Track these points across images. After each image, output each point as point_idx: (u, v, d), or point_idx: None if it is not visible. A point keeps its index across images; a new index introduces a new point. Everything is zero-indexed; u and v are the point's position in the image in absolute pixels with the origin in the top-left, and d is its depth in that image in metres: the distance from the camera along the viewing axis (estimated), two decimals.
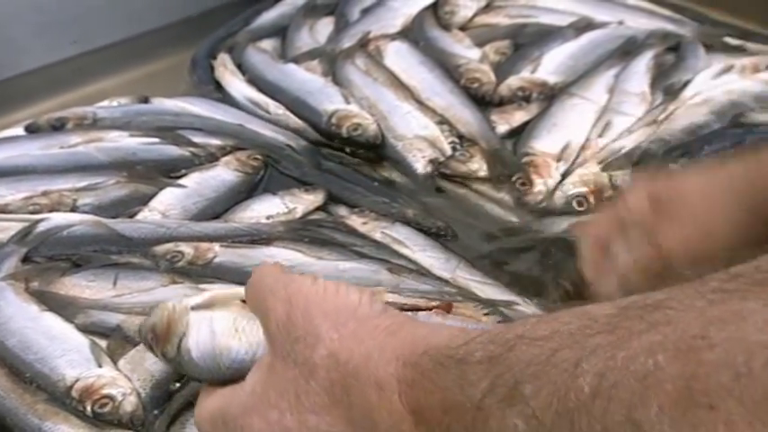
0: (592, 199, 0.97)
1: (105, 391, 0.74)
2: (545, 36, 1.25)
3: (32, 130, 1.10)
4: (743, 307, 0.35)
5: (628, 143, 1.02)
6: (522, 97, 1.13)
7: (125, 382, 0.75)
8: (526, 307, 0.85)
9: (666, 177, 0.73)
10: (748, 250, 0.48)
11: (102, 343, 0.79)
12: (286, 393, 0.53)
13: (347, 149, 1.08)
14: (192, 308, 0.63)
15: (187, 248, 0.89)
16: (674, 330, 0.36)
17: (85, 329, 0.80)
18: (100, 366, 0.76)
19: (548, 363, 0.40)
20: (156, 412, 0.74)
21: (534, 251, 0.93)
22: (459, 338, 0.47)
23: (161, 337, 0.63)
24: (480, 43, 1.25)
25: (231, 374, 0.61)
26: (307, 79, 1.17)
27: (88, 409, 0.73)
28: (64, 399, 0.74)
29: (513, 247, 0.94)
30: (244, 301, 0.63)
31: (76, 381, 0.75)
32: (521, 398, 0.40)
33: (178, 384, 0.75)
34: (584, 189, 0.97)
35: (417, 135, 1.06)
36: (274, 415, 0.53)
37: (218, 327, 0.61)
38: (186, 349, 0.61)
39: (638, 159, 0.99)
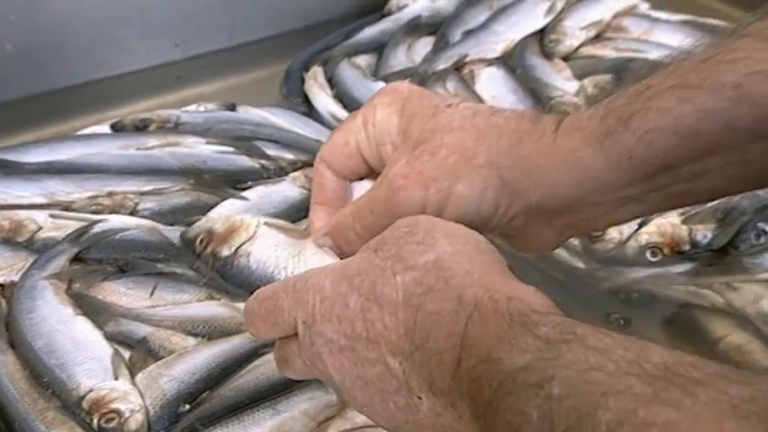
0: (667, 251, 0.88)
1: (114, 406, 0.71)
2: (650, 73, 1.15)
3: (117, 128, 1.09)
4: None
5: None
6: None
7: (136, 398, 0.71)
8: None
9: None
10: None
11: (127, 354, 0.76)
12: (365, 275, 0.50)
13: None
14: (265, 223, 0.65)
15: None
16: (692, 421, 0.35)
17: (113, 338, 0.78)
18: (116, 379, 0.73)
19: (582, 376, 0.39)
20: None
21: (595, 300, 0.86)
22: (543, 306, 0.46)
23: (218, 239, 0.65)
24: (581, 75, 1.17)
25: None
26: None
27: (95, 422, 0.70)
28: (74, 408, 0.72)
29: (574, 295, 0.87)
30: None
31: (90, 391, 0.72)
32: (547, 394, 0.40)
33: (188, 406, 0.72)
34: (660, 239, 0.88)
35: None
36: (343, 287, 0.51)
37: (283, 244, 0.61)
38: (246, 252, 0.63)
39: (725, 215, 0.90)
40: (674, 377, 0.37)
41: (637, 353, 0.40)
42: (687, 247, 0.88)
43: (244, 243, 0.62)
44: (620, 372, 0.39)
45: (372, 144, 0.61)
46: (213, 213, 0.91)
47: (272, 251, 0.61)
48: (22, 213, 0.91)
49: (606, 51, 1.22)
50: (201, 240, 0.64)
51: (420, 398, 0.48)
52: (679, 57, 0.57)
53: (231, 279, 0.63)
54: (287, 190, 0.97)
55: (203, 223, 0.65)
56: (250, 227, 0.64)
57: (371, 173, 0.63)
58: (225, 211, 0.87)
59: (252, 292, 0.56)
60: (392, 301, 0.48)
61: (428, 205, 0.56)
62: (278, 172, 1.01)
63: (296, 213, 0.94)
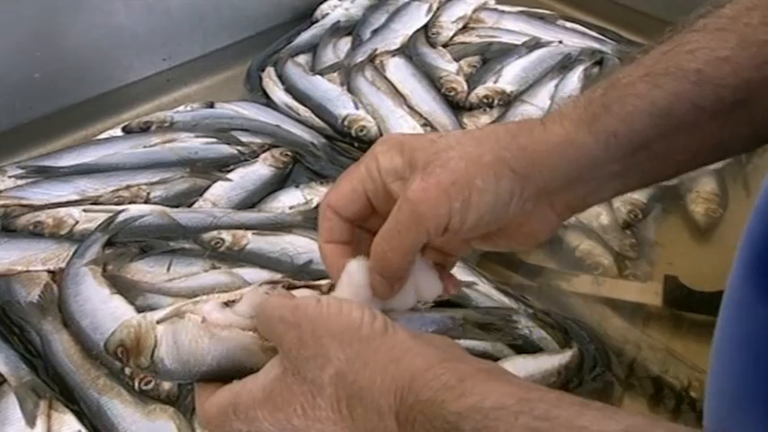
0: None
1: None
2: (506, 53, 1.01)
3: (127, 131, 0.90)
4: None
5: None
6: (486, 104, 0.91)
7: None
8: (483, 287, 0.66)
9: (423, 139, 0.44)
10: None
11: None
12: (294, 403, 0.38)
13: (356, 146, 0.88)
14: (158, 321, 0.44)
15: (227, 236, 0.71)
16: None
17: (142, 310, 0.62)
18: None
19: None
20: (188, 388, 0.57)
21: None
22: (442, 381, 0.35)
23: (132, 351, 0.44)
24: (458, 58, 1.02)
25: (203, 376, 0.43)
26: (328, 88, 0.96)
27: (136, 385, 0.57)
28: (119, 375, 0.58)
29: None
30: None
31: None
32: None
33: None
34: None
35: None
36: (281, 415, 0.39)
37: (179, 338, 0.43)
38: (159, 359, 0.43)
39: None
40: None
41: (522, 405, 0.33)
42: None
43: (153, 351, 0.43)
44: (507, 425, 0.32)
45: (379, 187, 0.43)
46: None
47: (174, 351, 0.43)
48: (62, 210, 0.74)
49: (472, 38, 1.07)
50: (120, 355, 0.46)
51: None
52: (639, 53, 0.43)
53: (163, 378, 0.46)
54: (260, 169, 0.82)
55: (115, 336, 0.44)
56: (149, 333, 0.44)
57: (372, 216, 0.45)
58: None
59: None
60: (327, 417, 0.38)
61: (453, 210, 0.40)
62: (252, 155, 0.85)
63: (268, 188, 0.80)
